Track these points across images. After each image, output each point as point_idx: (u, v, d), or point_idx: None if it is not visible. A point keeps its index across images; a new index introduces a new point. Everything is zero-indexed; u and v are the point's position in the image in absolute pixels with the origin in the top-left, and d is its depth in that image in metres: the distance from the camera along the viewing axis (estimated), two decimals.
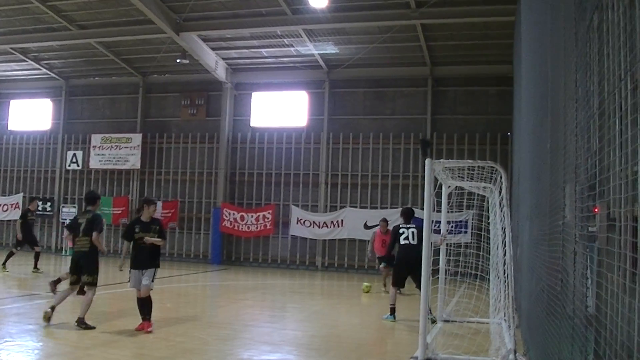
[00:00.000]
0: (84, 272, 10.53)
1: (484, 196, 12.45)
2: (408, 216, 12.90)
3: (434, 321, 11.64)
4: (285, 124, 27.23)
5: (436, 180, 9.94)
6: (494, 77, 24.50)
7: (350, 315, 13.90)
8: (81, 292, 11.58)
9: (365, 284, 17.92)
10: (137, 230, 10.36)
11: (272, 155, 27.16)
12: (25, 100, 31.96)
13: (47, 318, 10.27)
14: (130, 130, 29.13)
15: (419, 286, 11.05)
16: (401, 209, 14.89)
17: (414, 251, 11.33)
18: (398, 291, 13.08)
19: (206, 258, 27.35)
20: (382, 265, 17.56)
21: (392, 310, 12.43)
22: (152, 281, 10.34)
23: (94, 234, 10.51)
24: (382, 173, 25.71)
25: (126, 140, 28.84)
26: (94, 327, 10.11)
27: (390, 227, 15.39)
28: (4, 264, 19.72)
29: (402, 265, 12.38)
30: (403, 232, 12.48)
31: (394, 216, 24.37)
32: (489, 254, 11.62)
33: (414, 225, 12.57)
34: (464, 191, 12.09)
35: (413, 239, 12.25)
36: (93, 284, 10.56)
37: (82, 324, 10.14)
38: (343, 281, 22.02)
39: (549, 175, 5.90)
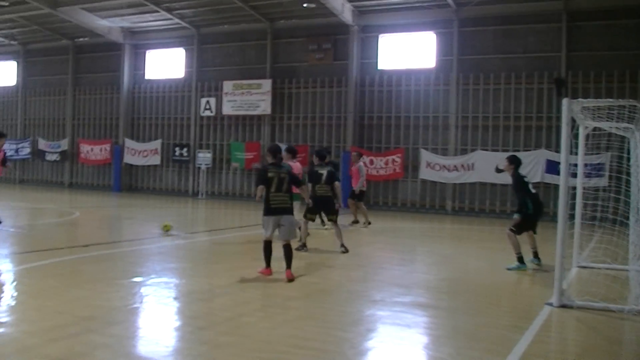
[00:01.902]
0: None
1: (624, 137, 11.86)
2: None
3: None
4: (413, 65, 26.85)
5: (573, 121, 9.54)
6: (634, 8, 22.95)
7: (481, 259, 13.75)
8: None
9: (166, 223, 15.34)
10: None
11: (401, 98, 26.91)
12: (159, 50, 33.17)
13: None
14: (259, 76, 29.64)
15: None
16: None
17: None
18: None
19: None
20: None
21: (521, 259, 11.61)
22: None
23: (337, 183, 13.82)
24: (514, 114, 24.96)
25: (256, 87, 29.39)
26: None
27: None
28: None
29: (536, 214, 11.86)
30: (528, 182, 12.03)
31: (527, 159, 23.71)
32: (629, 198, 11.12)
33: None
34: (602, 132, 11.56)
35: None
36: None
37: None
38: (473, 225, 21.76)
39: None
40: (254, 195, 10.78)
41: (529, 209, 11.61)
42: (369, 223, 18.83)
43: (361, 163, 19.68)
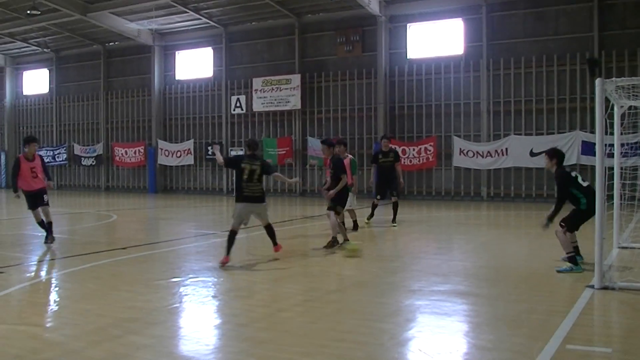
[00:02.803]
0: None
1: None
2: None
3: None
4: (441, 53, 26.68)
5: (607, 101, 9.38)
6: None
7: (519, 245, 13.62)
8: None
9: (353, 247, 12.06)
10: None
11: (431, 86, 26.79)
12: (188, 50, 33.42)
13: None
14: (289, 71, 29.69)
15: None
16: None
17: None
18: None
19: (370, 193, 27.62)
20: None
21: (573, 258, 9.85)
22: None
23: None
24: (546, 97, 24.69)
25: (286, 82, 29.45)
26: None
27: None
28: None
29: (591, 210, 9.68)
30: (577, 175, 10.15)
31: (562, 141, 23.44)
32: None
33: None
34: (639, 111, 11.35)
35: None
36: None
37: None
38: (510, 211, 21.57)
39: None
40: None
41: (581, 204, 9.86)
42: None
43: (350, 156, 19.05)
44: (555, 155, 10.21)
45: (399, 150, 26.22)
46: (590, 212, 9.53)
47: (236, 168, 10.93)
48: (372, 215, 16.72)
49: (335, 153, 12.76)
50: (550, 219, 9.77)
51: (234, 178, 29.79)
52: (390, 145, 16.94)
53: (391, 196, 16.54)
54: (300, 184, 29.42)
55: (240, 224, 10.88)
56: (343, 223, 13.00)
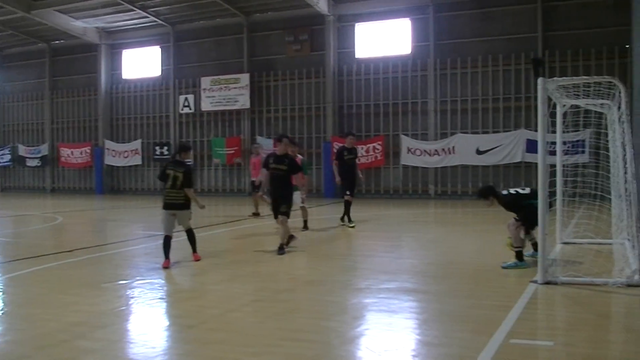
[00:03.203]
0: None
1: (602, 113, 11.94)
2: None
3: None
4: (389, 53, 26.88)
5: (550, 100, 9.60)
6: None
7: (466, 242, 13.82)
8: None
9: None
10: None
11: (379, 85, 26.99)
12: (136, 49, 33.01)
13: None
14: (237, 70, 29.59)
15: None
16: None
17: None
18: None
19: (319, 192, 27.73)
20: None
21: (520, 254, 10.04)
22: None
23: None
24: (492, 96, 25.10)
25: (234, 81, 29.34)
26: None
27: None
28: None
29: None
30: (516, 192, 10.44)
31: (507, 140, 23.90)
32: (609, 173, 11.22)
33: None
34: (580, 109, 11.62)
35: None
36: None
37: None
38: (457, 209, 21.86)
39: None
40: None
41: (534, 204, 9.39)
42: (258, 214, 18.71)
43: (263, 155, 19.19)
44: (485, 193, 10.47)
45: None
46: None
47: (163, 175, 10.89)
48: (347, 216, 16.35)
49: (291, 152, 12.58)
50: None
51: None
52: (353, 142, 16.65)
53: (346, 194, 16.27)
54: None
55: (171, 229, 10.84)
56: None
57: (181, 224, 10.95)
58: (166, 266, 10.42)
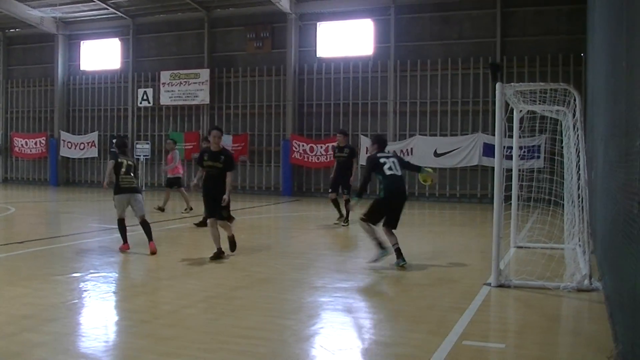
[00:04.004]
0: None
1: (557, 120, 12.15)
2: (384, 144, 11.30)
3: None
4: (351, 53, 26.96)
5: (507, 105, 9.73)
6: None
7: (422, 243, 13.93)
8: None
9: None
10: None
11: (340, 85, 27.03)
12: (94, 40, 32.53)
13: None
14: (197, 65, 29.37)
15: (395, 225, 10.56)
16: (374, 136, 12.11)
17: (402, 183, 10.80)
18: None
19: (277, 190, 27.70)
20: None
21: (380, 244, 10.35)
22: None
23: None
24: (451, 99, 25.33)
25: (194, 76, 29.13)
26: None
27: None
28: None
29: (392, 198, 10.68)
30: (384, 162, 10.62)
31: (464, 143, 24.16)
32: (563, 179, 11.41)
33: (392, 155, 11.24)
34: (536, 115, 11.79)
35: (397, 170, 10.68)
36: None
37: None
38: (413, 210, 22.00)
39: (625, 95, 5.70)
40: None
41: (380, 190, 10.57)
42: (191, 209, 18.54)
43: (176, 150, 19.71)
44: (376, 140, 11.14)
45: (307, 147, 26.43)
46: (388, 203, 10.56)
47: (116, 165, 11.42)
48: (341, 214, 16.36)
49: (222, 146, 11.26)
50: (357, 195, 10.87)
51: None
52: (346, 140, 16.69)
53: (343, 194, 16.34)
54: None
55: (123, 212, 11.43)
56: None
57: (138, 210, 11.41)
58: (125, 248, 11.33)
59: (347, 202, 16.13)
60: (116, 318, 7.32)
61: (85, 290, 8.48)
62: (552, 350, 6.15)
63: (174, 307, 7.50)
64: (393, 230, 10.41)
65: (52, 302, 7.69)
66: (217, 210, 10.65)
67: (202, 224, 14.57)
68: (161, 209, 18.72)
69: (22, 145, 33.46)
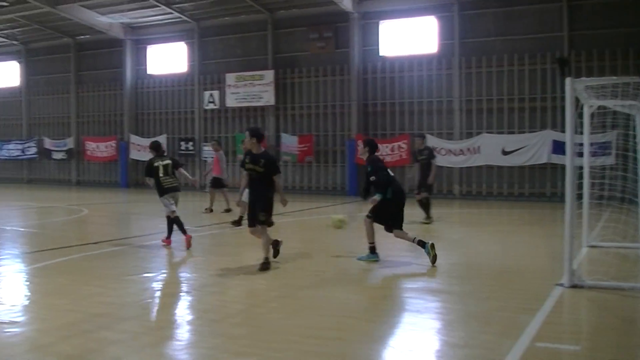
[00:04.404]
0: None
1: (629, 115, 11.81)
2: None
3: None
4: (415, 51, 26.77)
5: (577, 100, 9.52)
6: None
7: (491, 242, 13.75)
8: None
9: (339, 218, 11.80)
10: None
11: (404, 84, 26.86)
12: (161, 44, 33.15)
13: None
14: (262, 67, 29.61)
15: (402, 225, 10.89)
16: (368, 139, 11.97)
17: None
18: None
19: (343, 190, 27.71)
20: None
21: (373, 249, 10.93)
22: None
23: None
24: (518, 96, 24.89)
25: (259, 78, 29.38)
26: None
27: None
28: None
29: (399, 199, 10.94)
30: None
31: (533, 140, 23.72)
32: (637, 175, 11.09)
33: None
34: (607, 110, 11.49)
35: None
36: None
37: None
38: (482, 209, 21.74)
39: None
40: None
41: (388, 192, 10.63)
42: (211, 210, 19.20)
43: (221, 151, 20.28)
44: (368, 144, 11.19)
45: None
46: (397, 202, 10.78)
47: (152, 170, 12.32)
48: (428, 215, 17.11)
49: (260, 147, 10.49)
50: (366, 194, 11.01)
51: (204, 173, 29.75)
52: (424, 143, 17.78)
53: (420, 192, 17.15)
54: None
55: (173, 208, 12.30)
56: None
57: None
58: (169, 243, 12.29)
59: (425, 199, 17.06)
60: (188, 317, 7.45)
61: (157, 290, 8.66)
62: (629, 353, 5.99)
63: (243, 307, 7.60)
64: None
65: (125, 301, 7.87)
66: (255, 217, 10.03)
67: (238, 223, 15.28)
68: (209, 210, 19.15)
69: (93, 148, 34.35)
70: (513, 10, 24.98)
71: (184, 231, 12.07)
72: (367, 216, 10.76)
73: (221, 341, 6.19)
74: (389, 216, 10.74)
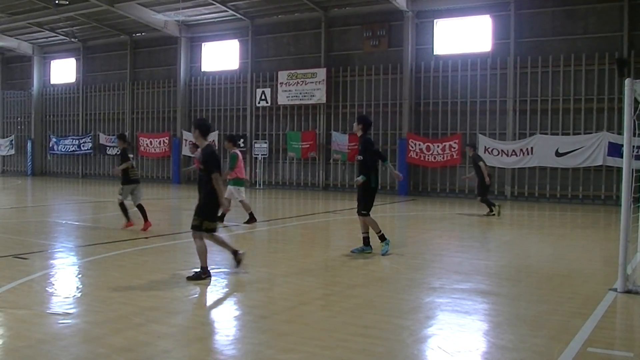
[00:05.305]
0: None
1: None
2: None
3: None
4: (469, 50, 26.51)
5: (636, 102, 9.29)
6: None
7: (542, 245, 13.53)
8: None
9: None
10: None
11: (457, 83, 26.63)
12: (215, 42, 33.50)
13: None
14: (314, 65, 29.68)
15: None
16: (362, 116, 12.12)
17: None
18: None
19: (393, 189, 27.59)
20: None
21: (367, 239, 11.25)
22: None
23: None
24: (574, 97, 24.45)
25: (311, 76, 29.45)
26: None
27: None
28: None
29: (377, 188, 11.22)
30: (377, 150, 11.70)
31: (588, 142, 23.27)
32: None
33: None
34: None
35: None
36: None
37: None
38: (533, 211, 21.43)
39: None
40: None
41: (372, 180, 10.81)
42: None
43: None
44: (362, 121, 11.03)
45: (424, 146, 26.23)
46: (376, 189, 11.00)
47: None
48: (492, 210, 18.64)
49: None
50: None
51: (256, 170, 29.94)
52: (472, 150, 19.83)
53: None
54: (322, 178, 29.44)
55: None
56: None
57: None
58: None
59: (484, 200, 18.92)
60: (237, 313, 7.49)
61: (206, 285, 8.72)
62: None
63: (291, 304, 7.61)
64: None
65: (176, 295, 7.96)
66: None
67: (251, 220, 15.22)
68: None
69: (147, 144, 34.91)
70: (571, 9, 24.55)
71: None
72: (362, 214, 10.98)
73: (268, 337, 6.22)
74: (372, 203, 11.07)
